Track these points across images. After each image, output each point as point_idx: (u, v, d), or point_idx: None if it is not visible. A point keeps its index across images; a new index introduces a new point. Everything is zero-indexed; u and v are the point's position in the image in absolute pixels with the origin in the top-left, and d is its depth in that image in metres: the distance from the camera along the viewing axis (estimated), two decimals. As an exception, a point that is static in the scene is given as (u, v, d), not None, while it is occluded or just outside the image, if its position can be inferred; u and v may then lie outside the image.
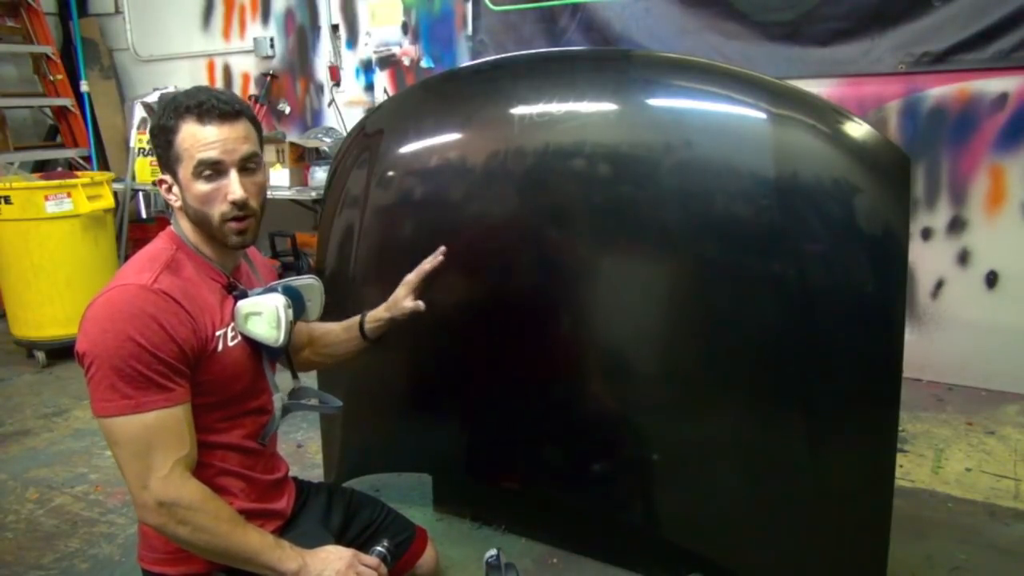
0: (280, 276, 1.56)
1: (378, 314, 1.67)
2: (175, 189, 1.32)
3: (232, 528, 1.26)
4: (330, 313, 1.59)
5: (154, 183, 4.36)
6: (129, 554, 1.93)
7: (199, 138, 1.26)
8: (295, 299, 1.41)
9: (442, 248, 1.68)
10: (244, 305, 1.34)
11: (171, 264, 1.28)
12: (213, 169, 1.27)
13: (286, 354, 1.51)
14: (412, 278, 1.66)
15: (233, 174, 1.28)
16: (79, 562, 1.94)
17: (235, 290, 1.36)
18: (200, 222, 1.31)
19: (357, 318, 1.68)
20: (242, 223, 1.31)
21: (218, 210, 1.29)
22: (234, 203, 1.28)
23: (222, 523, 1.25)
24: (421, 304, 1.63)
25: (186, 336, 1.24)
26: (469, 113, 1.81)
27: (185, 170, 1.28)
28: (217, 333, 1.30)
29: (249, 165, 1.31)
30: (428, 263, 1.67)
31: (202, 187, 1.28)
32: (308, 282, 1.49)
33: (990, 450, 2.46)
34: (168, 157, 1.29)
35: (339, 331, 1.69)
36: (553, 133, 1.63)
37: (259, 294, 1.37)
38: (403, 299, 1.65)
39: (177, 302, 1.24)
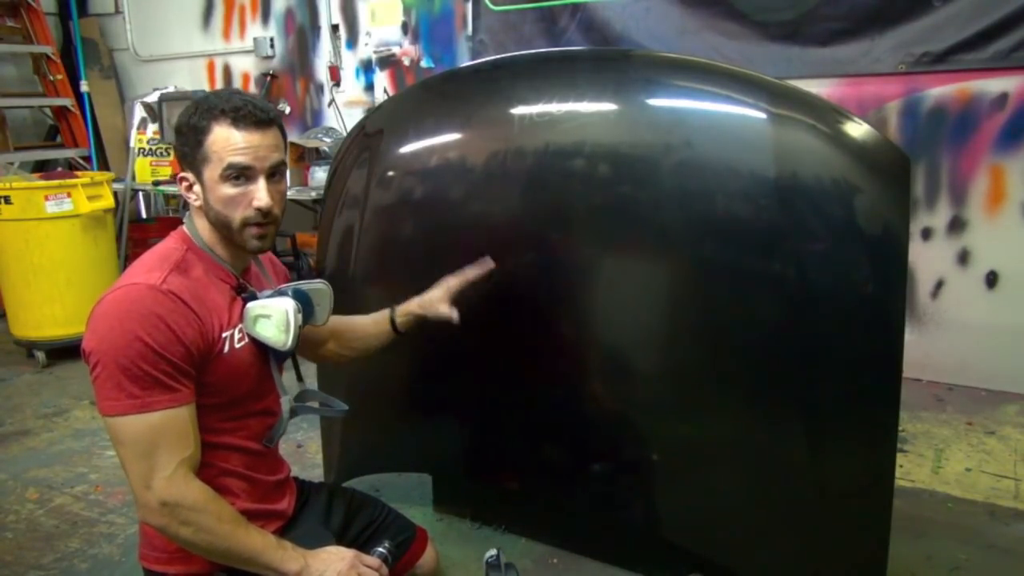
0: (287, 278, 1.55)
1: (410, 308, 1.66)
2: (196, 188, 1.32)
3: (234, 529, 1.26)
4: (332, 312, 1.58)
5: (155, 183, 4.34)
6: (129, 554, 1.93)
7: (232, 142, 1.26)
8: (304, 303, 1.41)
9: (488, 258, 1.65)
10: (253, 307, 1.34)
11: (180, 264, 1.28)
12: (242, 174, 1.27)
13: (292, 357, 1.50)
14: (454, 283, 1.64)
15: (261, 181, 1.29)
16: (79, 562, 1.94)
17: (244, 291, 1.36)
18: (220, 224, 1.31)
19: (387, 312, 1.68)
20: (263, 228, 1.32)
21: (241, 215, 1.29)
22: (259, 210, 1.29)
23: (224, 524, 1.25)
24: (456, 315, 1.61)
25: (193, 337, 1.24)
26: (469, 113, 1.81)
27: (212, 171, 1.28)
28: (224, 335, 1.30)
29: (275, 173, 1.32)
30: (473, 271, 1.64)
31: (228, 190, 1.28)
32: (318, 287, 1.48)
33: (990, 450, 2.46)
34: (195, 156, 1.29)
35: (367, 324, 1.69)
36: (553, 133, 1.63)
37: (269, 296, 1.37)
38: (439, 301, 1.63)
39: (185, 303, 1.24)
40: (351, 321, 1.70)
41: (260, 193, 1.28)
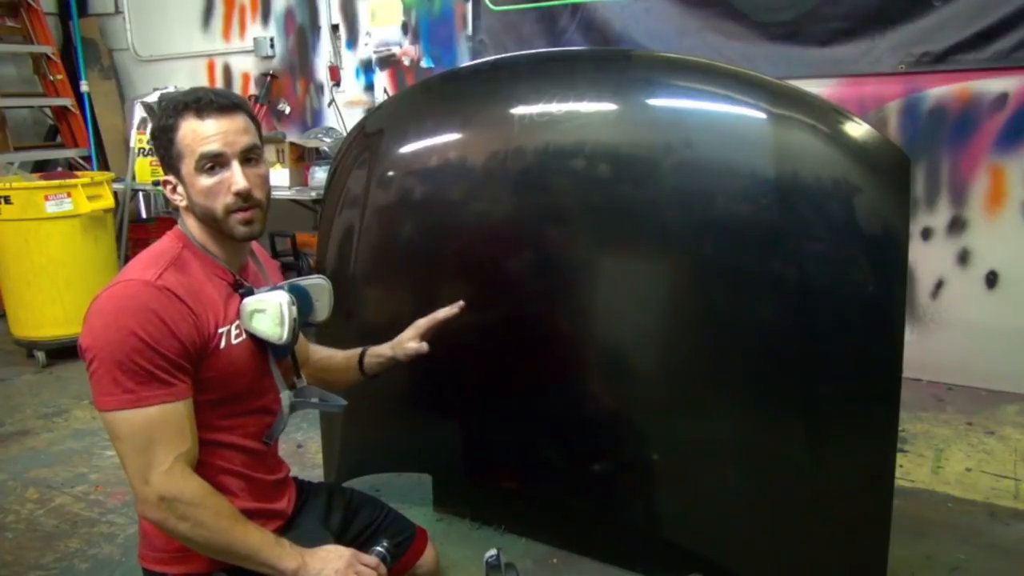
0: (285, 276, 1.55)
1: (381, 350, 1.64)
2: (179, 188, 1.33)
3: (232, 525, 1.26)
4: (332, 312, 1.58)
5: (155, 183, 4.35)
6: (129, 554, 1.93)
7: (199, 132, 1.27)
8: (302, 298, 1.41)
9: (461, 302, 1.63)
10: (249, 302, 1.34)
11: (177, 261, 1.29)
12: (215, 162, 1.28)
13: (291, 354, 1.51)
14: (423, 323, 1.62)
15: (235, 165, 1.29)
16: (79, 562, 1.94)
17: (241, 288, 1.37)
18: (206, 217, 1.32)
19: (358, 350, 1.66)
20: (248, 213, 1.32)
21: (222, 202, 1.29)
22: (238, 194, 1.29)
23: (222, 519, 1.25)
24: (425, 346, 1.59)
25: (188, 332, 1.24)
26: (469, 113, 1.81)
27: (188, 166, 1.29)
28: (220, 330, 1.30)
29: (251, 156, 1.32)
30: (443, 313, 1.62)
31: (205, 181, 1.29)
32: (316, 282, 1.49)
33: (990, 450, 2.46)
34: (170, 156, 1.30)
35: (340, 360, 1.68)
36: (553, 133, 1.63)
37: (265, 292, 1.38)
38: (408, 340, 1.61)
39: (179, 298, 1.24)
40: (326, 353, 1.69)
41: (236, 177, 1.28)
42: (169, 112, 1.29)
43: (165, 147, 1.30)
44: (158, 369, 1.20)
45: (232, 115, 1.30)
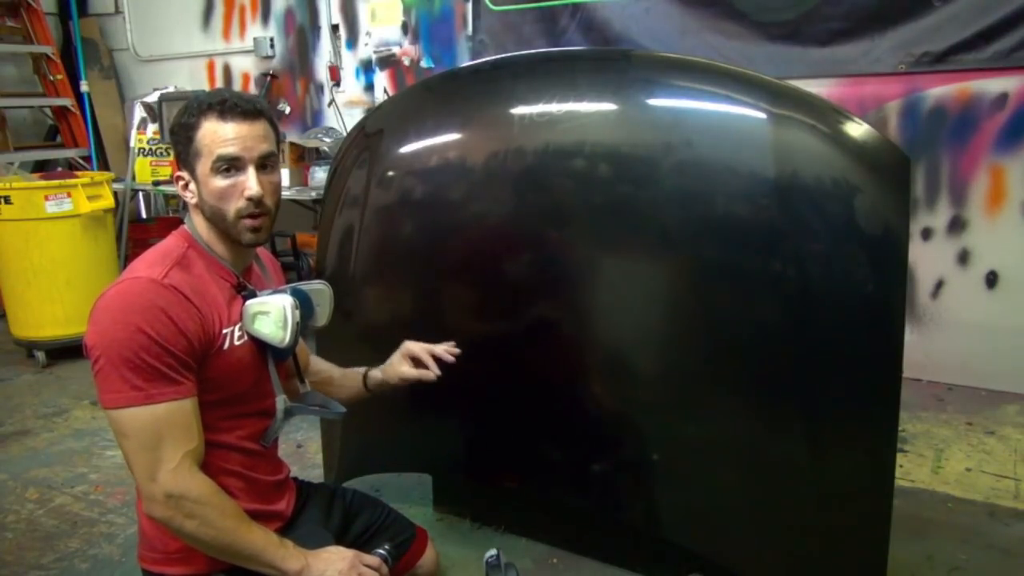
0: (287, 279, 1.56)
1: (374, 374, 1.66)
2: (192, 186, 1.34)
3: (238, 524, 1.26)
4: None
5: (155, 183, 4.36)
6: (129, 554, 1.93)
7: (220, 134, 1.28)
8: (303, 302, 1.42)
9: (456, 350, 1.63)
10: (252, 304, 1.35)
11: (182, 261, 1.30)
12: (232, 165, 1.29)
13: (293, 358, 1.51)
14: (415, 348, 1.62)
15: (251, 171, 1.30)
16: (79, 562, 1.94)
17: (244, 290, 1.37)
18: (215, 218, 1.33)
19: (361, 370, 1.67)
20: (256, 220, 1.33)
21: (234, 206, 1.30)
22: (251, 199, 1.30)
23: (228, 519, 1.25)
24: (430, 374, 1.58)
25: (194, 330, 1.25)
26: (469, 113, 1.81)
27: (204, 166, 1.30)
28: (224, 331, 1.31)
29: (266, 164, 1.33)
30: (440, 350, 1.61)
31: (219, 183, 1.29)
32: (318, 287, 1.50)
33: (990, 450, 2.46)
34: (187, 153, 1.31)
35: (339, 377, 1.69)
36: (553, 133, 1.63)
37: (268, 295, 1.38)
38: (399, 365, 1.62)
39: (186, 297, 1.25)
40: (327, 371, 1.70)
41: (250, 182, 1.30)
42: (192, 110, 1.30)
43: (183, 143, 1.31)
44: (166, 367, 1.21)
45: (254, 121, 1.31)
